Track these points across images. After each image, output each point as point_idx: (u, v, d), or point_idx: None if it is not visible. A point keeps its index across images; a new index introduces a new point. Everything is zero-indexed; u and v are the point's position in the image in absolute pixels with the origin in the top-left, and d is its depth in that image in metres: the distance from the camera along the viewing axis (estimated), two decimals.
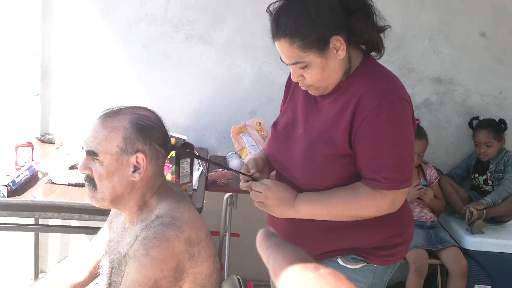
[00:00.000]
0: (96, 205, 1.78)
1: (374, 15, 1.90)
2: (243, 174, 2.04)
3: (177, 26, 3.69)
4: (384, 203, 1.87)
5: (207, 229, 1.77)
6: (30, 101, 3.67)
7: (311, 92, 1.96)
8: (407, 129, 1.87)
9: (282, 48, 1.85)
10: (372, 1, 1.90)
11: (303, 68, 1.86)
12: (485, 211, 3.53)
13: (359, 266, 2.00)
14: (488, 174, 3.72)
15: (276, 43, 1.88)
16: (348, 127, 1.85)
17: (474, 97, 3.89)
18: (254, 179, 2.01)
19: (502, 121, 3.72)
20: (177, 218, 1.69)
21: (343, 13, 1.84)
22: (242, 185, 2.04)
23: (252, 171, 2.03)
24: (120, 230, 1.86)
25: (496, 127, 3.68)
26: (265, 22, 3.55)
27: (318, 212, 1.93)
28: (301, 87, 1.97)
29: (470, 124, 3.78)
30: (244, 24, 3.70)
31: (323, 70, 1.85)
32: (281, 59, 1.92)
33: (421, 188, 3.57)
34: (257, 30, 3.66)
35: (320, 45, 1.81)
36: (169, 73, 3.75)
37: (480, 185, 3.79)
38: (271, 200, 1.94)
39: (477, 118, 3.75)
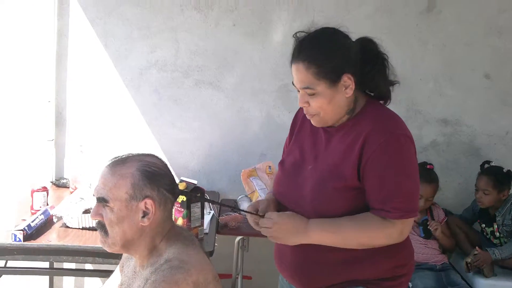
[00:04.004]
0: (108, 250, 1.82)
1: (387, 69, 2.03)
2: (250, 213, 2.09)
3: (187, 71, 3.80)
4: (394, 232, 1.95)
5: (215, 271, 1.81)
6: (45, 146, 3.77)
7: (314, 123, 2.06)
8: (411, 162, 1.98)
9: (298, 71, 1.95)
10: (387, 56, 2.03)
11: (311, 95, 1.95)
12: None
13: None
14: (495, 226, 3.66)
15: (293, 66, 1.97)
16: (357, 162, 1.95)
17: (481, 138, 3.93)
18: (260, 215, 2.06)
19: (509, 172, 3.62)
20: (186, 262, 1.72)
21: (360, 59, 1.96)
22: (251, 222, 2.11)
23: (260, 207, 2.10)
24: (131, 274, 1.89)
25: (499, 177, 3.59)
26: (273, 67, 3.68)
27: (330, 239, 1.98)
28: (305, 114, 2.05)
29: (481, 167, 3.72)
30: (252, 69, 3.80)
31: (329, 102, 1.95)
32: (293, 84, 2.01)
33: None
34: (265, 75, 3.77)
35: (333, 77, 1.92)
36: (180, 117, 3.85)
37: (488, 236, 3.73)
38: (282, 232, 2.00)
39: (489, 162, 3.70)
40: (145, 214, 1.76)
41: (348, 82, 1.93)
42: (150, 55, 3.77)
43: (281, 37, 3.72)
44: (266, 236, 2.07)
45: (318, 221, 1.99)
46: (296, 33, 2.02)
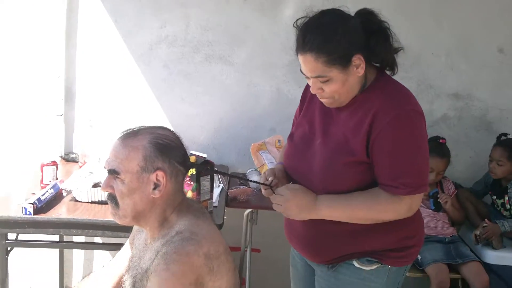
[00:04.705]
0: (118, 222, 1.83)
1: (391, 37, 2.01)
2: (261, 184, 2.13)
3: (197, 46, 3.77)
4: (402, 207, 1.98)
5: (226, 244, 1.81)
6: (54, 121, 3.76)
7: (328, 105, 2.07)
8: (421, 137, 1.99)
9: (306, 62, 1.94)
10: (388, 24, 2.01)
11: (324, 82, 1.95)
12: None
13: (373, 267, 2.09)
14: (506, 198, 3.66)
15: (300, 56, 1.95)
16: (366, 137, 1.96)
17: (493, 112, 3.90)
18: (272, 188, 2.09)
19: None
20: (196, 233, 1.73)
21: (364, 33, 1.94)
22: (264, 192, 2.14)
23: (270, 178, 2.12)
24: (142, 246, 1.90)
25: None
26: (283, 42, 3.66)
27: (339, 215, 2.02)
28: (319, 99, 2.06)
29: (498, 138, 3.73)
30: (263, 44, 3.77)
31: (343, 85, 1.95)
32: (301, 71, 2.00)
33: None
34: (275, 49, 3.74)
35: (343, 62, 1.91)
36: (189, 92, 3.83)
37: (499, 208, 3.74)
38: (292, 209, 2.03)
39: (506, 134, 3.70)
40: (156, 186, 1.76)
41: (358, 62, 1.93)
42: (160, 30, 3.74)
43: (292, 12, 3.68)
44: (275, 210, 2.08)
45: (326, 197, 2.02)
46: (296, 22, 1.99)
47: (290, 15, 3.69)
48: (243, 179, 2.35)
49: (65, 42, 3.70)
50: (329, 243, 2.11)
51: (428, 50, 3.80)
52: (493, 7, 3.77)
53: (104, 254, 3.89)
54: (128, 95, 3.81)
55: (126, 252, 2.06)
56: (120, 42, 3.74)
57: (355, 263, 2.09)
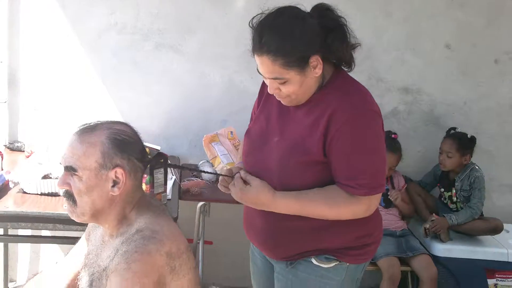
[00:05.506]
0: (76, 220, 1.77)
1: (348, 34, 1.98)
2: (225, 176, 2.10)
3: (147, 34, 3.70)
4: (360, 207, 1.98)
5: (187, 242, 1.78)
6: None
7: (285, 103, 2.04)
8: (377, 138, 1.98)
9: (263, 64, 1.90)
10: (346, 21, 1.98)
11: (281, 83, 1.93)
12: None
13: (332, 265, 2.09)
14: (454, 191, 3.77)
15: (257, 57, 1.92)
16: (322, 137, 1.94)
17: (440, 107, 3.97)
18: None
19: (472, 138, 3.72)
20: (158, 232, 1.69)
21: (322, 32, 1.91)
22: (221, 187, 2.13)
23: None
24: (99, 243, 1.86)
25: (463, 141, 3.69)
26: (236, 33, 3.62)
27: (296, 209, 1.99)
28: (277, 98, 2.03)
29: (447, 132, 3.81)
30: (215, 33, 3.73)
31: (300, 86, 1.93)
32: (258, 71, 1.97)
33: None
34: (227, 39, 3.71)
35: (301, 64, 1.88)
36: (139, 81, 3.75)
37: (446, 201, 3.84)
38: (248, 203, 2.03)
39: (454, 128, 3.80)
40: (115, 183, 1.73)
41: (315, 63, 1.90)
42: (109, 16, 3.64)
43: (244, 3, 3.66)
44: (228, 202, 2.07)
45: (285, 195, 1.99)
46: (251, 20, 1.94)
47: (242, 6, 3.67)
48: (198, 170, 2.32)
49: (8, 25, 3.57)
50: (287, 240, 2.10)
51: (379, 44, 3.84)
52: (440, 3, 3.83)
53: (52, 246, 3.80)
54: (76, 82, 3.70)
55: (81, 248, 2.01)
56: (68, 27, 3.63)
57: (313, 260, 2.09)
